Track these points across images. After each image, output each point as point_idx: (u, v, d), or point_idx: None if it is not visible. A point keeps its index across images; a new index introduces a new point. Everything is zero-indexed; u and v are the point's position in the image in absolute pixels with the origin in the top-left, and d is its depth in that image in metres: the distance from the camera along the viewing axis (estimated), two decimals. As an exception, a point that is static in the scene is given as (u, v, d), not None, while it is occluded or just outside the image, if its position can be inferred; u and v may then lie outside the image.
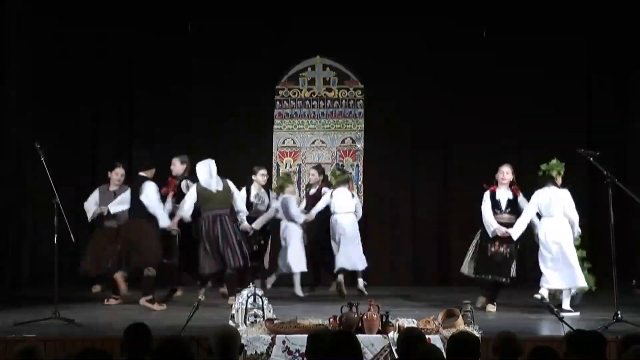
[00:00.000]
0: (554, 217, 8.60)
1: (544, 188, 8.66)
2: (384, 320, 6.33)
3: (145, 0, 11.48)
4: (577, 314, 8.29)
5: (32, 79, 11.13)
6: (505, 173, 8.92)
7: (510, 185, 8.94)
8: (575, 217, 8.62)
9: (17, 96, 10.86)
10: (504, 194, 8.92)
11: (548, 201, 8.62)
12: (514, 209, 8.86)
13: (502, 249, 8.78)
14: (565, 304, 8.51)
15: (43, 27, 11.14)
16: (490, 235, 8.81)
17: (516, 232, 8.72)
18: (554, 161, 8.69)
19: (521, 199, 8.88)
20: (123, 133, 11.81)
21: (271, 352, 6.13)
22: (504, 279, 8.77)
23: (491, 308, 8.75)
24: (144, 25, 11.50)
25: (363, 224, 10.55)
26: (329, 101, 12.06)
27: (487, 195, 8.91)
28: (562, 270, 8.53)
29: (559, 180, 8.68)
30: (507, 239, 8.76)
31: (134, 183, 9.28)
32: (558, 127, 11.29)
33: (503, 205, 8.88)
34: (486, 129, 11.39)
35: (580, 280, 8.58)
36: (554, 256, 8.54)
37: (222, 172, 9.46)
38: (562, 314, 7.76)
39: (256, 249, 9.71)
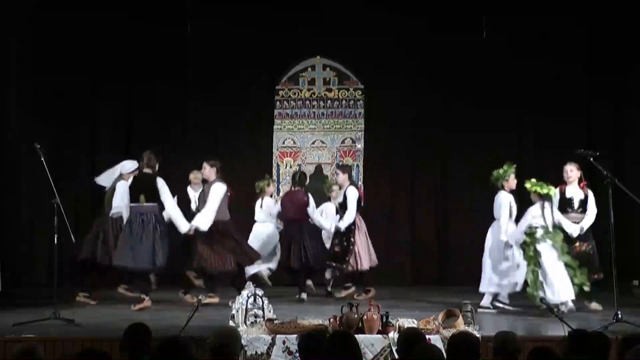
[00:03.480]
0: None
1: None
2: (384, 320, 6.33)
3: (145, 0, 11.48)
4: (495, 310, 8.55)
5: (32, 76, 11.11)
6: (569, 171, 8.74)
7: (579, 182, 8.74)
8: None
9: (17, 96, 10.85)
10: (575, 192, 8.73)
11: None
12: (585, 207, 8.68)
13: (584, 247, 8.59)
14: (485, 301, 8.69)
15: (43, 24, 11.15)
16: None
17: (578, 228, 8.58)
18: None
19: (590, 195, 8.69)
20: (122, 134, 11.78)
21: (271, 352, 6.12)
22: (595, 275, 8.54)
23: (596, 306, 8.50)
24: (143, 26, 11.48)
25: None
26: (329, 101, 12.06)
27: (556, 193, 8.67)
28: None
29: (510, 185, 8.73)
30: (584, 236, 8.60)
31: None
32: (557, 126, 11.30)
33: (575, 203, 8.71)
34: (486, 130, 11.38)
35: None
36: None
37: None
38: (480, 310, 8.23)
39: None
